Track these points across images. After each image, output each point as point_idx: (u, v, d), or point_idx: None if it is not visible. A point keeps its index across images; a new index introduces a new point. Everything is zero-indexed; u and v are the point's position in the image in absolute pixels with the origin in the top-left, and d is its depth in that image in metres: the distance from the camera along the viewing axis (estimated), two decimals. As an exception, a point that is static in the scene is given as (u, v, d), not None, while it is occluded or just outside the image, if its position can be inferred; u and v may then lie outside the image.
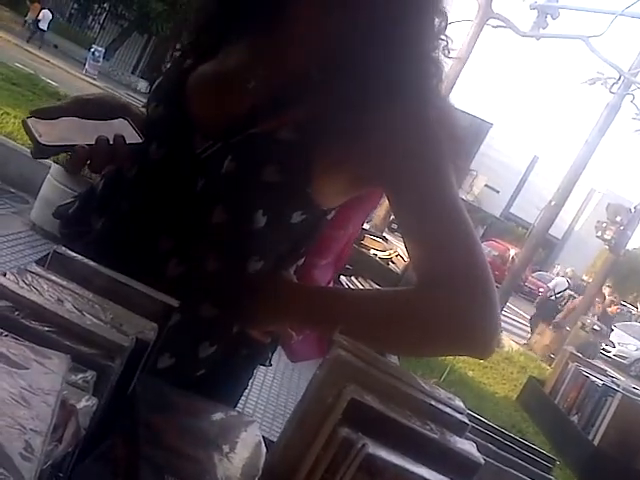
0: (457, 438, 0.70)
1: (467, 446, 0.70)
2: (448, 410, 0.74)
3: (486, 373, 8.38)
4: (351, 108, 0.86)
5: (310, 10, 0.91)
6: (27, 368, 0.39)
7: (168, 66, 1.03)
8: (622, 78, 13.07)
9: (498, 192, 31.73)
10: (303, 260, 1.01)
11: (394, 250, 6.31)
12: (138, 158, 0.91)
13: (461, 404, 0.77)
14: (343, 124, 0.86)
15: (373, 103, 0.86)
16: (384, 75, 0.86)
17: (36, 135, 0.79)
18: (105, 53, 18.51)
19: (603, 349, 17.29)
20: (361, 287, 5.43)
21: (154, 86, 1.01)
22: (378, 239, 6.52)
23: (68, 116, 0.85)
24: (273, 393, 3.90)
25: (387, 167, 0.88)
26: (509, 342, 11.62)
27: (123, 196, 0.95)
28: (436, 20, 0.90)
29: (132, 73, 22.55)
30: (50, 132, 0.81)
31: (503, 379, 8.54)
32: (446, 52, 0.92)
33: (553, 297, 13.05)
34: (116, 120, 0.86)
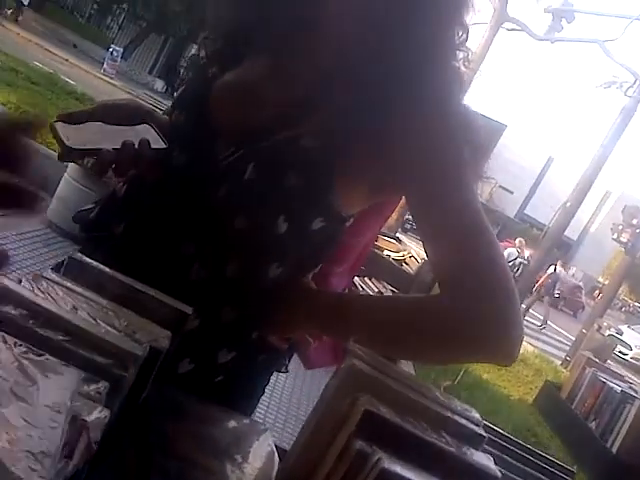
0: (473, 451, 0.69)
1: (484, 459, 0.69)
2: (464, 422, 0.73)
3: (501, 376, 8.32)
4: (373, 114, 0.86)
5: (330, 19, 0.91)
6: (36, 384, 0.38)
7: (191, 74, 1.03)
8: (637, 82, 12.94)
9: (512, 193, 31.45)
10: (320, 267, 1.00)
11: (407, 251, 6.27)
12: (161, 164, 0.92)
13: (477, 415, 0.76)
14: (365, 131, 0.86)
15: (395, 109, 0.85)
16: (405, 81, 0.85)
17: (63, 138, 0.81)
18: (123, 53, 18.61)
19: (620, 352, 17.20)
20: (374, 288, 5.40)
21: (178, 94, 1.02)
22: (391, 240, 6.47)
23: (94, 121, 0.86)
24: (285, 399, 3.89)
25: (409, 173, 0.88)
26: (524, 345, 11.51)
27: (145, 201, 0.96)
28: (458, 31, 0.89)
29: (149, 73, 22.69)
30: (77, 136, 0.82)
31: (518, 382, 8.47)
32: (466, 63, 0.92)
33: None
34: (140, 125, 0.88)
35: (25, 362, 0.41)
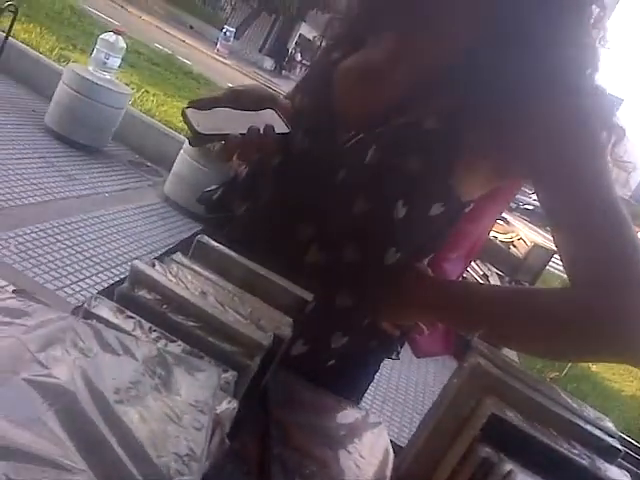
0: (608, 466, 0.64)
1: (620, 476, 0.63)
2: (597, 432, 0.67)
3: (612, 368, 7.82)
4: (499, 97, 0.82)
5: (456, 1, 0.87)
6: (183, 384, 0.38)
7: (315, 58, 1.03)
8: None
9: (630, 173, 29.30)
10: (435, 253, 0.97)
11: (516, 233, 6.01)
12: (284, 149, 0.92)
13: (611, 425, 0.71)
14: (489, 114, 0.82)
15: (521, 91, 0.81)
16: (533, 63, 0.80)
17: (194, 124, 0.83)
18: (235, 33, 19.03)
19: None
20: (479, 271, 5.20)
21: (301, 77, 1.02)
22: (499, 221, 6.23)
23: (222, 106, 0.88)
24: (391, 386, 3.87)
25: (535, 159, 0.83)
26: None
27: (267, 184, 0.96)
28: (594, 8, 0.84)
29: (259, 52, 23.08)
30: (206, 122, 0.84)
31: (631, 376, 7.98)
32: (602, 43, 0.85)
33: None
34: (265, 110, 0.89)
35: (167, 356, 0.41)
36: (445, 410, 0.68)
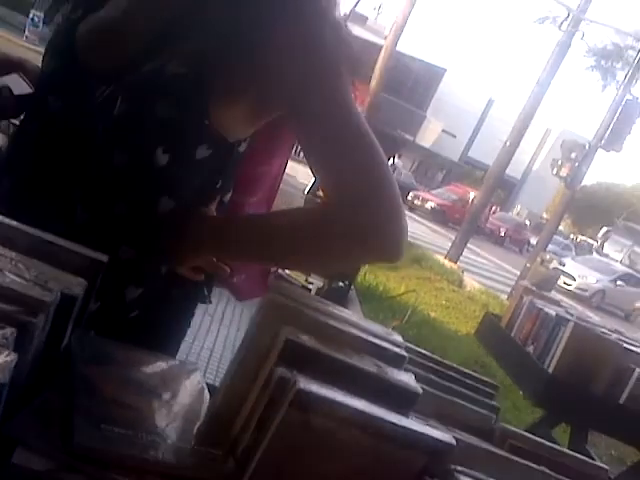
0: (395, 370, 0.72)
1: (404, 377, 0.72)
2: (385, 344, 0.75)
3: (449, 313, 8.58)
4: (238, 34, 0.85)
5: None
6: None
7: (60, 20, 1.01)
8: (571, 15, 13.15)
9: (455, 137, 31.76)
10: (231, 198, 1.00)
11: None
12: (38, 113, 0.91)
13: (399, 338, 0.79)
14: (231, 51, 0.85)
15: (261, 26, 0.84)
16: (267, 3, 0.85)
17: None
18: (45, 18, 17.73)
19: (565, 283, 17.91)
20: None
21: (48, 41, 0.99)
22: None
23: None
24: (221, 337, 3.80)
25: (283, 90, 0.87)
26: (471, 282, 11.89)
27: (27, 152, 0.95)
28: None
29: (75, 34, 21.73)
30: None
31: (465, 318, 8.74)
32: None
33: None
34: (9, 76, 0.87)
35: None
36: (249, 344, 0.72)
